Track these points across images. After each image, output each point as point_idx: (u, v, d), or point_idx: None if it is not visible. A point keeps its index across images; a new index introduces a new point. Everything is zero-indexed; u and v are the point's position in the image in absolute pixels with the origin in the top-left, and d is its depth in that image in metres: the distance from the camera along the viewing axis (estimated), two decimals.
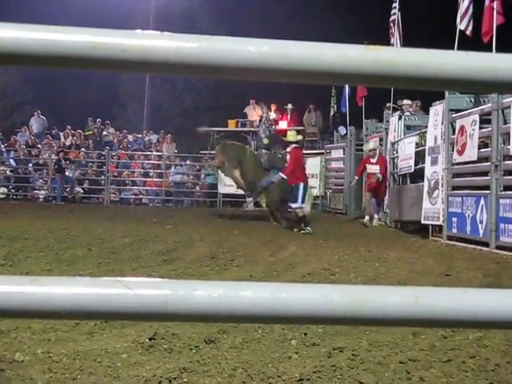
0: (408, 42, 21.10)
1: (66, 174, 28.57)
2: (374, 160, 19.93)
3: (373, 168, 19.85)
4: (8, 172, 29.87)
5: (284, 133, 29.32)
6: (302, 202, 16.92)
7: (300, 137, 18.35)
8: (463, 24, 16.32)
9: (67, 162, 29.12)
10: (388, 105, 22.34)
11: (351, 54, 1.45)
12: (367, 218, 19.16)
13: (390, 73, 1.45)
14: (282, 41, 1.46)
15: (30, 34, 1.40)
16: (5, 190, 28.14)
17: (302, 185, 16.99)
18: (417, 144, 17.08)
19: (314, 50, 1.45)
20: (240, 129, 32.55)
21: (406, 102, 20.60)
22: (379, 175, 19.35)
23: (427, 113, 16.53)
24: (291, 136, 17.74)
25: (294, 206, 17.28)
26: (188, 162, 30.99)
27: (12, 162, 30.16)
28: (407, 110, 20.41)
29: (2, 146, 31.44)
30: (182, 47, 1.42)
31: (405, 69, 1.44)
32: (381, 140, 21.36)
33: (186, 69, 1.46)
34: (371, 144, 20.49)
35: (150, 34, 1.45)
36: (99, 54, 1.41)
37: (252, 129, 32.05)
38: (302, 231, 16.45)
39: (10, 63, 1.50)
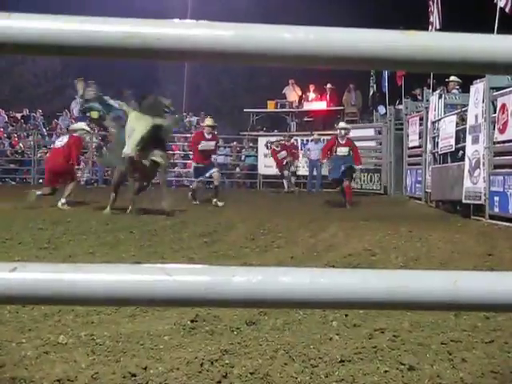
0: (447, 20, 20.85)
1: None
2: (342, 141, 19.39)
3: (343, 150, 19.34)
4: None
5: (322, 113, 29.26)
6: None
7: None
8: (503, 1, 16.12)
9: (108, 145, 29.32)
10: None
11: (387, 40, 1.44)
12: None
13: (425, 58, 1.44)
14: (317, 27, 1.46)
15: (67, 25, 1.42)
16: None
17: None
18: (457, 123, 16.86)
19: (350, 36, 1.45)
20: (279, 110, 32.53)
21: (454, 78, 19.96)
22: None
23: (468, 91, 16.31)
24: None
25: None
26: (228, 143, 31.05)
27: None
28: (454, 87, 19.89)
29: (44, 130, 31.76)
30: (218, 35, 1.43)
31: (440, 54, 1.44)
32: (421, 119, 21.16)
33: (223, 57, 1.47)
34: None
35: (186, 22, 1.45)
36: (135, 43, 1.42)
37: (291, 110, 32.01)
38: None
39: (48, 54, 1.52)
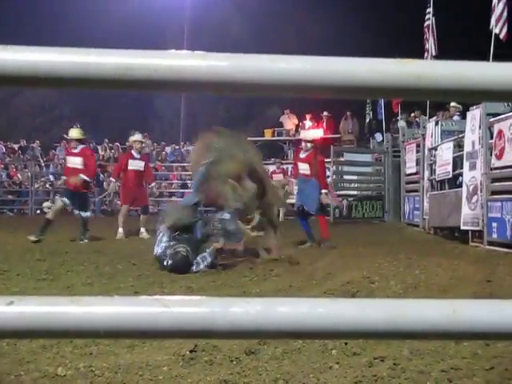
0: (443, 46, 20.99)
1: (105, 187, 28.79)
2: (303, 155, 14.70)
3: (303, 167, 14.63)
4: (48, 186, 30.21)
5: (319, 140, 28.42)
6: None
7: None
8: (498, 28, 16.24)
9: (105, 175, 29.38)
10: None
11: (382, 69, 1.45)
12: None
13: (420, 86, 1.44)
14: (312, 57, 1.46)
15: (65, 57, 1.43)
16: (49, 204, 27.94)
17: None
18: (454, 150, 16.90)
19: (346, 65, 1.46)
20: (276, 138, 32.61)
21: (454, 104, 19.94)
22: None
23: (464, 117, 16.37)
24: None
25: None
26: None
27: (51, 176, 30.50)
28: (455, 113, 19.94)
29: (42, 161, 31.81)
30: (212, 66, 1.43)
31: (435, 81, 1.44)
32: (418, 146, 21.22)
33: (218, 87, 1.47)
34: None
35: (182, 53, 1.46)
36: (132, 74, 1.42)
37: (288, 138, 32.10)
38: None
39: (46, 86, 1.52)
